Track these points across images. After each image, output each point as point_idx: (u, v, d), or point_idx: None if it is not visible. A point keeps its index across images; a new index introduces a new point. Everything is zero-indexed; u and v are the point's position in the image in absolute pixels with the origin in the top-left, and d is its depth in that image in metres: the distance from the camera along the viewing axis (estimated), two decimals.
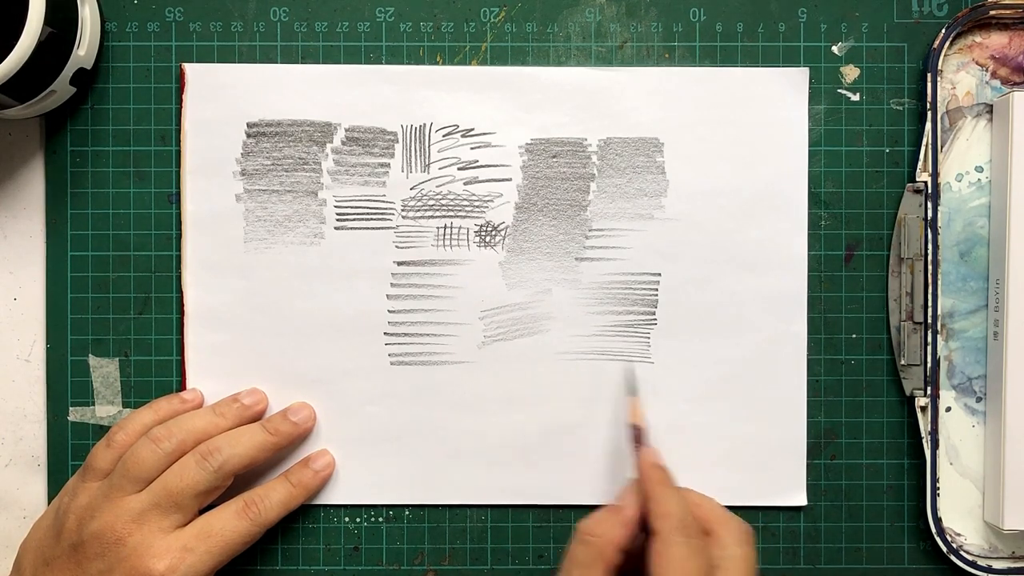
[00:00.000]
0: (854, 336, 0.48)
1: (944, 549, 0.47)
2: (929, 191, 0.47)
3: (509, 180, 0.48)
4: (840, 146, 0.48)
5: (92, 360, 0.48)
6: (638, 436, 0.44)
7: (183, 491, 0.42)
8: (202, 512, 0.44)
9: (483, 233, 0.48)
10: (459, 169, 0.48)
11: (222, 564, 0.43)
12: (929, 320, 0.47)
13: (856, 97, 0.48)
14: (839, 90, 0.48)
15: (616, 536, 0.40)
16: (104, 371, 0.48)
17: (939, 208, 0.47)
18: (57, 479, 0.48)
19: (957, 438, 0.48)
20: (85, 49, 0.45)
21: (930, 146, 0.47)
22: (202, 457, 0.43)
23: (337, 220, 0.48)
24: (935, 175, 0.47)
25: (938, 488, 0.47)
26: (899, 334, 0.47)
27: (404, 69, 0.48)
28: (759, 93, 0.48)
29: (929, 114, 0.47)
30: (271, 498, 0.45)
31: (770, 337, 0.48)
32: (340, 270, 0.47)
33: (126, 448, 0.44)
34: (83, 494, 0.43)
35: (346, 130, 0.47)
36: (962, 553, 0.47)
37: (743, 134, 0.47)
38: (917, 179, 0.47)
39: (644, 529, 0.41)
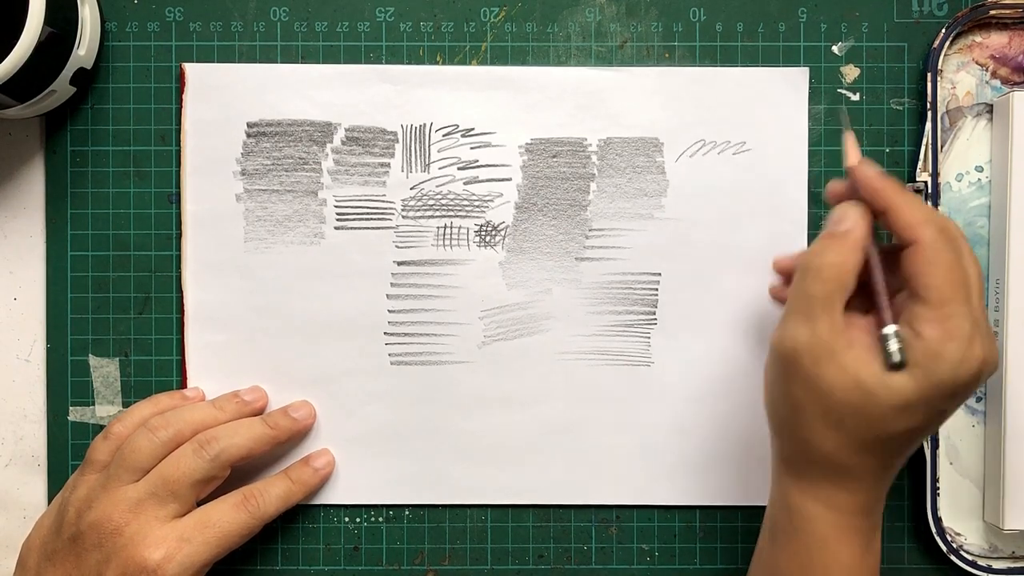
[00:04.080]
0: None
1: (944, 549, 0.47)
2: (929, 191, 0.47)
3: (509, 180, 0.48)
4: (840, 146, 0.48)
5: (92, 360, 0.48)
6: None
7: (180, 480, 0.42)
8: (201, 506, 0.44)
9: (483, 233, 0.48)
10: (459, 169, 0.48)
11: (219, 556, 0.43)
12: None
13: (856, 97, 0.48)
14: (839, 90, 0.48)
15: (854, 261, 0.37)
16: (104, 371, 0.48)
17: (939, 208, 0.47)
18: (57, 479, 0.48)
19: (957, 438, 0.48)
20: (85, 49, 0.45)
21: (930, 146, 0.47)
22: (199, 446, 0.43)
23: (337, 220, 0.48)
24: (935, 175, 0.47)
25: (938, 488, 0.47)
26: None
27: (404, 69, 0.48)
28: (759, 93, 0.48)
29: (929, 114, 0.47)
30: (270, 492, 0.45)
31: (771, 337, 0.48)
32: (340, 270, 0.47)
33: (124, 440, 0.44)
34: (82, 486, 0.43)
35: (346, 130, 0.47)
36: (962, 553, 0.47)
37: (743, 134, 0.47)
38: (917, 179, 0.47)
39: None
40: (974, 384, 0.36)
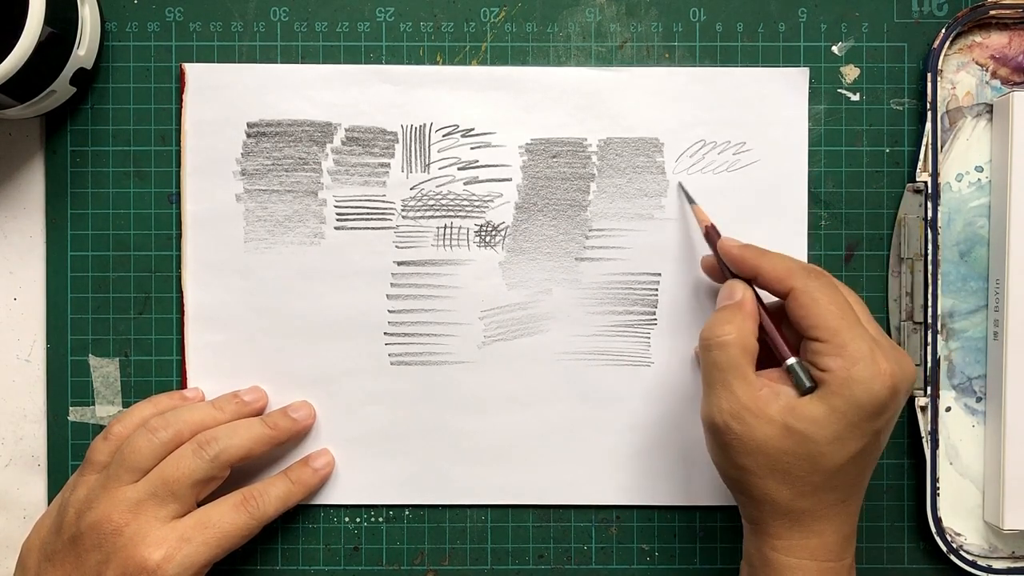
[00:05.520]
0: None
1: (944, 549, 0.47)
2: (929, 191, 0.47)
3: (509, 180, 0.48)
4: (840, 146, 0.48)
5: (92, 360, 0.48)
6: (713, 234, 0.44)
7: (179, 480, 0.42)
8: (201, 506, 0.44)
9: (483, 233, 0.48)
10: (459, 169, 0.48)
11: (219, 557, 0.43)
12: (929, 320, 0.47)
13: (856, 97, 0.48)
14: (839, 90, 0.48)
15: (751, 326, 0.40)
16: (104, 371, 0.48)
17: (939, 208, 0.47)
18: (57, 479, 0.48)
19: (957, 438, 0.48)
20: (85, 49, 0.45)
21: (930, 146, 0.47)
22: (199, 446, 0.43)
23: (337, 220, 0.48)
24: (935, 175, 0.47)
25: (938, 488, 0.47)
26: (899, 334, 0.47)
27: (404, 69, 0.48)
28: (759, 93, 0.48)
29: (929, 114, 0.47)
30: (270, 493, 0.45)
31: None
32: (340, 270, 0.47)
33: (124, 440, 0.44)
34: (82, 487, 0.43)
35: (346, 130, 0.47)
36: (962, 553, 0.47)
37: (743, 134, 0.47)
38: (917, 179, 0.47)
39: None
40: (893, 397, 0.38)
